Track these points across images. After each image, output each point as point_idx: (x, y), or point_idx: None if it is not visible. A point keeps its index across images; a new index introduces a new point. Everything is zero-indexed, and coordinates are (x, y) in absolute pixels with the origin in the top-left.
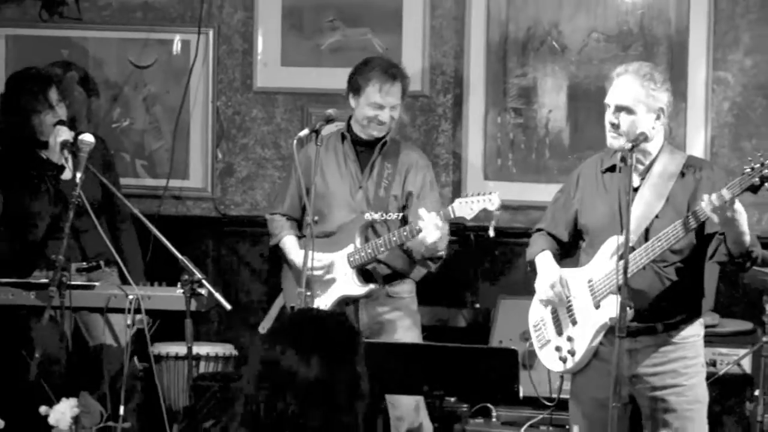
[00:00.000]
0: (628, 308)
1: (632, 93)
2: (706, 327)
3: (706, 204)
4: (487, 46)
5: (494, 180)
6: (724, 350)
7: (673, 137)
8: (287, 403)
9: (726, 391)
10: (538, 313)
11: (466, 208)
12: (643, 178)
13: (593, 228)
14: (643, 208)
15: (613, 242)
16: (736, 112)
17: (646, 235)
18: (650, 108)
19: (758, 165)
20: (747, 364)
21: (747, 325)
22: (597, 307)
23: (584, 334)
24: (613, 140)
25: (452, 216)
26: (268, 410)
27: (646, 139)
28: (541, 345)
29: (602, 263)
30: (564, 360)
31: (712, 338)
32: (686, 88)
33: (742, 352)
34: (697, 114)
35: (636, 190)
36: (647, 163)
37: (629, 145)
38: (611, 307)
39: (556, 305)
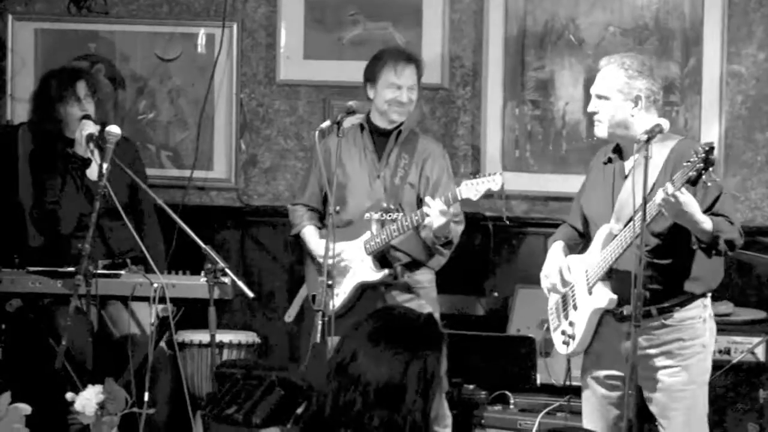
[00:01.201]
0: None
1: (609, 82)
2: (721, 315)
3: (657, 197)
4: (506, 40)
5: (512, 171)
6: (738, 338)
7: (688, 129)
8: (352, 401)
9: (739, 379)
10: (554, 298)
11: (471, 190)
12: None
13: (592, 216)
14: (626, 196)
15: (604, 230)
16: (750, 105)
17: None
18: (627, 95)
19: (695, 158)
20: (761, 352)
21: (761, 314)
22: (590, 293)
23: (581, 319)
24: (594, 128)
25: (459, 198)
26: (333, 406)
27: (661, 130)
28: (554, 328)
29: (596, 251)
30: (567, 343)
31: (726, 327)
32: (701, 82)
33: (755, 340)
34: (711, 107)
35: (626, 177)
36: (636, 150)
37: (645, 137)
38: (601, 294)
39: (557, 292)
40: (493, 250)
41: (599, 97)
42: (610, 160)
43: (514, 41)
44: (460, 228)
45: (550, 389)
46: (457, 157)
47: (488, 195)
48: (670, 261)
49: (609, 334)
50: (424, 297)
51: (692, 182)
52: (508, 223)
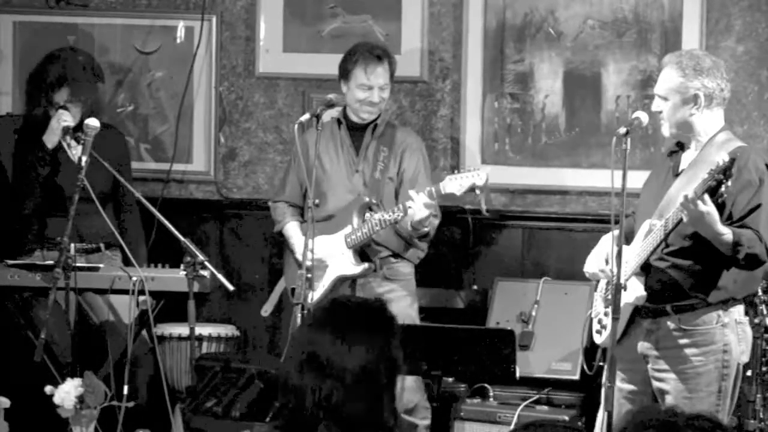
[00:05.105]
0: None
1: (666, 83)
2: None
3: (677, 202)
4: (485, 33)
5: (491, 164)
6: None
7: None
8: (330, 391)
9: None
10: (602, 284)
11: (455, 184)
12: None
13: (637, 207)
14: (675, 193)
15: (646, 225)
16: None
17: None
18: (684, 96)
19: (715, 168)
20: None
21: None
22: (624, 288)
23: None
24: (661, 127)
25: (442, 193)
26: (313, 399)
27: (640, 124)
28: (594, 314)
29: (636, 245)
30: (599, 332)
31: None
32: None
33: None
34: None
35: (678, 175)
36: (696, 149)
37: (623, 130)
38: (632, 289)
39: (597, 279)
40: (472, 243)
41: (660, 96)
42: (671, 153)
43: (494, 34)
44: (437, 221)
45: (529, 382)
46: (436, 150)
47: (471, 189)
48: (691, 263)
49: (633, 330)
50: (403, 289)
51: (711, 192)
52: (487, 215)
